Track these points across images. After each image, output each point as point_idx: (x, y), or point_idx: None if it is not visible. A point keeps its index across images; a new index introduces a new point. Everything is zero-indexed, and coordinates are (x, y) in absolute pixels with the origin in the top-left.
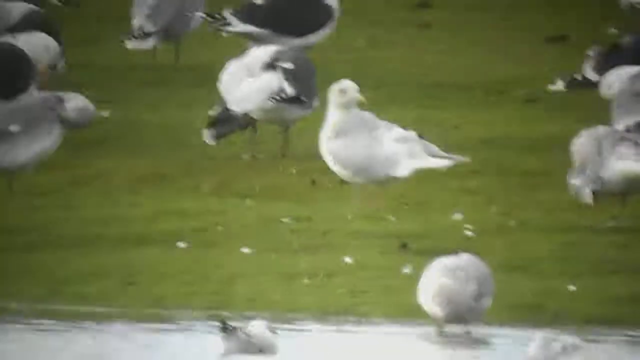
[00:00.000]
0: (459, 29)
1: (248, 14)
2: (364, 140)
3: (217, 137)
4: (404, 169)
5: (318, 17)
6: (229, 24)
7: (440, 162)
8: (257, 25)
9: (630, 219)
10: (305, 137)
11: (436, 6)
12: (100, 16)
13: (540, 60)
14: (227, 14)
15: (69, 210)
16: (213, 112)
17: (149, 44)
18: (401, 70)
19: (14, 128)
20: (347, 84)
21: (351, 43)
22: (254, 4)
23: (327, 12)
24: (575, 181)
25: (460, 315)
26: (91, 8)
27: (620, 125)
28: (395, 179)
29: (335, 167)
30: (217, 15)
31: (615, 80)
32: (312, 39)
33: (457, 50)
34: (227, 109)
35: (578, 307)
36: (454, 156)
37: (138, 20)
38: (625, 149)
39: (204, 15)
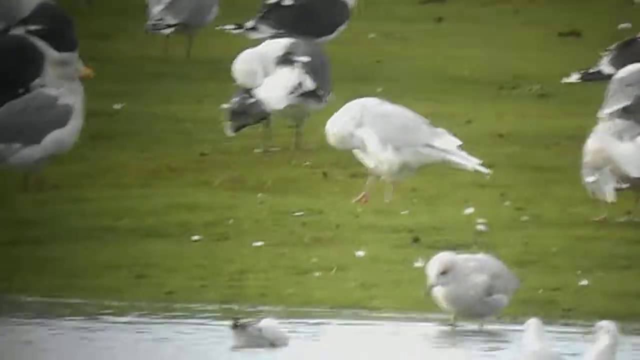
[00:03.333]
0: (472, 23)
1: (275, 19)
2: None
3: (236, 129)
4: (446, 142)
5: (337, 16)
6: (256, 30)
7: (476, 165)
8: (284, 29)
9: None
10: (318, 130)
11: (449, 1)
12: (113, 10)
13: (553, 55)
14: (255, 22)
15: (80, 203)
16: (231, 105)
17: (168, 31)
18: (414, 65)
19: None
20: None
21: (364, 37)
22: (280, 5)
23: (345, 10)
24: (592, 179)
25: (471, 308)
26: (103, 1)
27: (606, 110)
28: (432, 152)
29: (364, 138)
30: (247, 25)
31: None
32: (331, 37)
33: (470, 44)
34: (244, 102)
35: (589, 302)
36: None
37: (158, 11)
38: None
39: (233, 27)
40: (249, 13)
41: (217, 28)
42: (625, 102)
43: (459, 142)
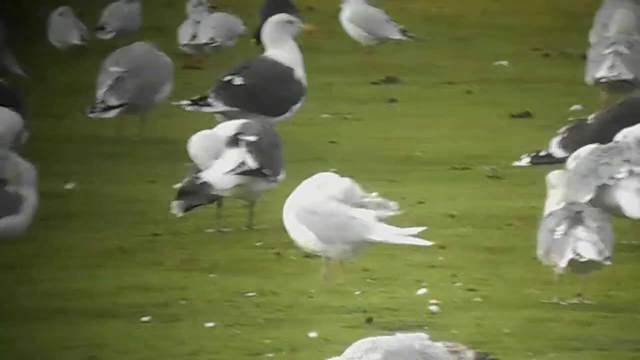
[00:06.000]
0: (425, 104)
1: (230, 96)
2: (334, 205)
3: (185, 209)
4: (381, 233)
5: (292, 94)
6: (210, 106)
7: (413, 240)
8: (238, 106)
9: (593, 296)
10: (271, 210)
11: (403, 82)
12: (65, 89)
13: (505, 136)
14: (210, 96)
15: (31, 283)
16: (181, 184)
17: (110, 114)
18: (367, 145)
19: None
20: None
21: (318, 117)
22: (233, 84)
23: (299, 88)
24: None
25: None
26: (56, 80)
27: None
28: (369, 244)
29: (301, 235)
30: (200, 102)
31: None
32: (287, 115)
33: (422, 125)
34: (194, 182)
35: None
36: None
37: (101, 93)
38: (580, 232)
39: (188, 102)
40: (204, 92)
41: (172, 103)
42: (588, 196)
43: (395, 229)
